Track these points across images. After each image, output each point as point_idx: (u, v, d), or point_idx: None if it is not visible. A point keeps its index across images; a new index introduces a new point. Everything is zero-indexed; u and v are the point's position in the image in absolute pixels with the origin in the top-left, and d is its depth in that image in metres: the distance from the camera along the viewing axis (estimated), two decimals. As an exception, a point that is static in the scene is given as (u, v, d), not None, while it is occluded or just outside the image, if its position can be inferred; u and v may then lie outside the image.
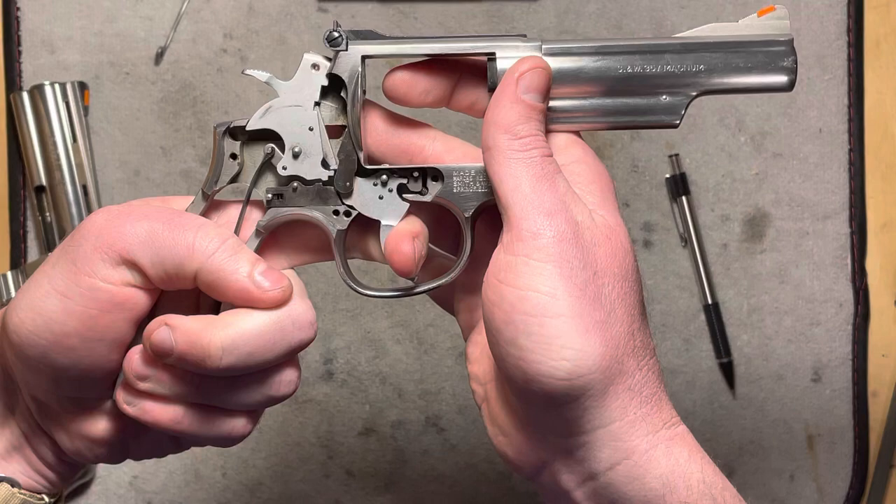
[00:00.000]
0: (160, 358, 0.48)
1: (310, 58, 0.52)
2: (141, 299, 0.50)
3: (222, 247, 0.49)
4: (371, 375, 0.86)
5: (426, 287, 0.53)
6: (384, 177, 0.52)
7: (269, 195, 0.52)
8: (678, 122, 0.52)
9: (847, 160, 0.86)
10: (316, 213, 0.52)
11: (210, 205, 0.53)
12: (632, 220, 0.86)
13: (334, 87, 0.52)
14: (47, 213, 0.84)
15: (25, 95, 0.83)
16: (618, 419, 0.49)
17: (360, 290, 0.53)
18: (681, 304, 0.87)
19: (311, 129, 0.52)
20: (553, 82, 0.51)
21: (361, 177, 0.52)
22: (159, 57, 0.85)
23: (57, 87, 0.83)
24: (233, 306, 0.50)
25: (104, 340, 0.49)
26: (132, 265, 0.49)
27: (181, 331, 0.48)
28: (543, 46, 0.51)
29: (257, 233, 0.52)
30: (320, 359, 0.86)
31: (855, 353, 0.87)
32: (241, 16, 0.85)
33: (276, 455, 0.86)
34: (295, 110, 0.52)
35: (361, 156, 0.52)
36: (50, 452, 0.54)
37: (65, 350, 0.49)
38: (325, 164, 0.52)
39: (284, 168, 0.52)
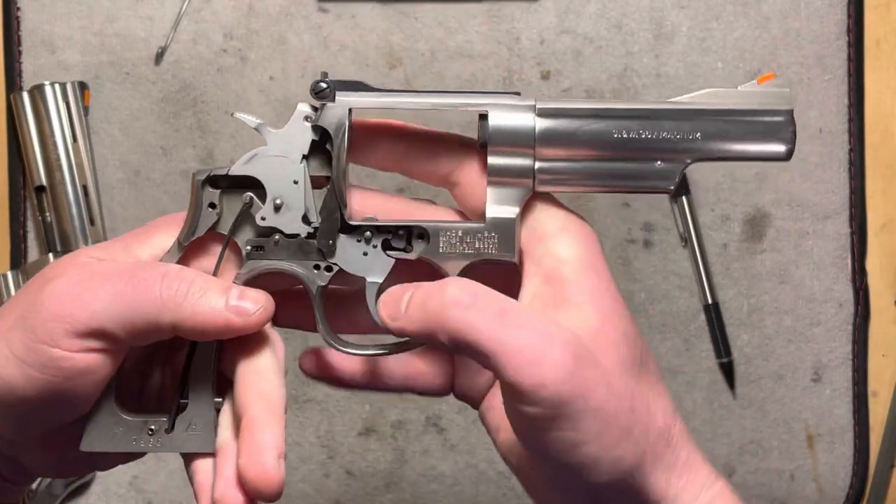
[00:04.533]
0: None
1: (303, 109, 0.51)
2: (107, 362, 0.48)
3: (190, 290, 0.48)
4: (371, 375, 0.86)
5: (410, 346, 0.52)
6: (368, 233, 0.51)
7: (249, 247, 0.51)
8: (672, 187, 0.50)
9: (847, 160, 0.86)
10: (296, 268, 0.51)
11: (185, 254, 0.51)
12: (632, 220, 0.86)
13: (321, 139, 0.51)
14: (47, 213, 0.84)
15: (25, 95, 0.83)
16: (662, 499, 0.50)
17: (341, 348, 0.52)
18: (681, 304, 0.87)
19: (295, 182, 0.51)
20: (545, 142, 0.49)
21: (344, 233, 0.51)
22: (159, 57, 0.85)
23: (57, 87, 0.83)
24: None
25: (71, 402, 0.48)
26: (100, 333, 0.47)
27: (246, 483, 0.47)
28: (537, 106, 0.50)
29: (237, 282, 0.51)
30: (320, 359, 0.86)
31: (855, 353, 0.87)
32: (241, 16, 0.85)
33: (277, 455, 0.86)
34: (281, 161, 0.51)
35: (345, 213, 0.51)
36: (11, 471, 0.53)
37: (30, 410, 0.48)
38: (306, 220, 0.51)
39: (263, 219, 0.51)
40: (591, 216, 0.86)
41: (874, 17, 0.86)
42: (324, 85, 0.50)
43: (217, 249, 0.51)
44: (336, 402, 0.86)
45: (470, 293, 0.46)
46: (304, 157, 0.51)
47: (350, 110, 0.50)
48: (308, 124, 0.51)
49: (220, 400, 0.51)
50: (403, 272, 0.51)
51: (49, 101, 0.83)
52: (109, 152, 0.85)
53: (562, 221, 0.50)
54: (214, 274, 0.51)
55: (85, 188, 0.84)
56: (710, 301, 0.86)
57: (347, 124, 0.50)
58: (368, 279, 0.51)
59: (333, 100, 0.50)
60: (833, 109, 0.86)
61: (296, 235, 0.51)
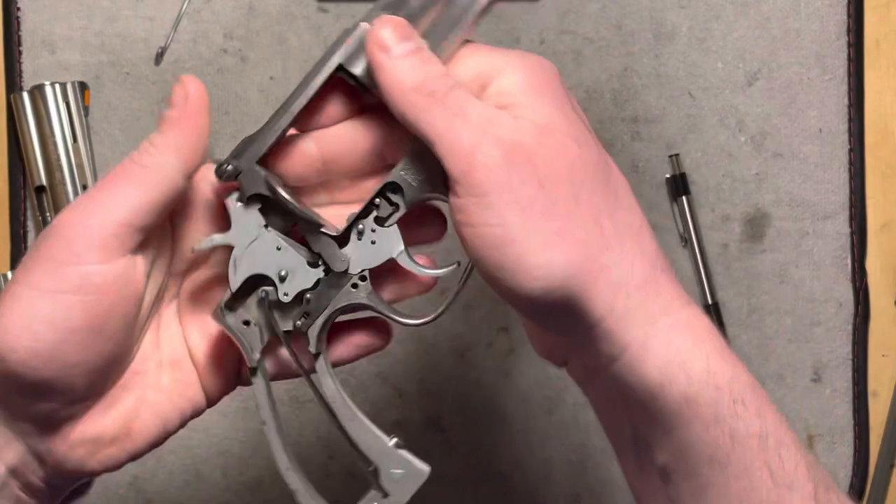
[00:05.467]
0: None
1: (230, 201, 0.52)
2: (136, 265, 0.50)
3: (153, 145, 0.50)
4: (371, 375, 0.86)
5: (463, 283, 0.54)
6: (360, 226, 0.53)
7: (299, 322, 0.53)
8: None
9: (847, 160, 0.86)
10: (341, 303, 0.53)
11: (263, 373, 0.54)
12: (632, 220, 0.86)
13: (263, 202, 0.53)
14: (47, 213, 0.84)
15: (26, 95, 0.83)
16: (606, 316, 0.48)
17: (418, 322, 0.54)
18: (681, 304, 0.86)
19: (278, 248, 0.52)
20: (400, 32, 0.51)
21: (343, 244, 0.53)
22: (160, 57, 0.85)
23: (57, 87, 0.83)
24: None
25: (113, 326, 0.49)
26: (118, 230, 0.48)
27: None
28: (364, 25, 0.51)
29: (316, 356, 0.54)
30: (320, 359, 0.86)
31: (855, 353, 0.87)
32: (242, 16, 0.85)
33: (277, 455, 0.86)
34: (254, 246, 0.52)
35: (328, 230, 0.53)
36: (40, 480, 0.52)
37: (73, 346, 0.48)
38: (312, 265, 0.53)
39: (286, 295, 0.53)
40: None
41: (874, 17, 0.86)
42: (224, 167, 0.52)
43: (281, 348, 0.54)
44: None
45: (425, 86, 0.49)
46: (265, 225, 0.52)
47: (259, 162, 0.52)
48: (242, 204, 0.52)
49: (394, 437, 0.55)
50: (411, 220, 0.53)
51: (49, 101, 0.83)
52: (109, 152, 0.85)
53: (503, 60, 0.51)
54: (302, 367, 0.54)
55: (85, 188, 0.84)
56: (710, 301, 0.86)
57: (264, 174, 0.52)
58: (394, 256, 0.53)
59: (241, 167, 0.52)
60: (833, 109, 0.86)
61: (318, 282, 0.53)
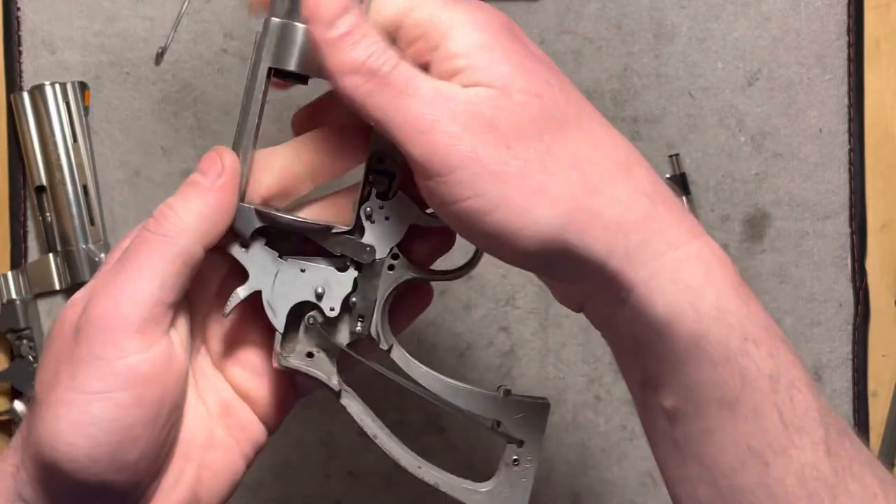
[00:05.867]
0: None
1: (235, 250, 0.51)
2: (176, 342, 0.48)
3: (173, 212, 0.49)
4: (371, 374, 0.86)
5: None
6: (367, 209, 0.51)
7: (359, 327, 0.52)
8: None
9: (847, 160, 0.86)
10: (389, 287, 0.52)
11: (347, 392, 0.54)
12: (632, 220, 0.85)
13: (267, 236, 0.51)
14: (47, 213, 0.84)
15: (26, 95, 0.83)
16: (608, 259, 0.47)
17: (460, 270, 0.54)
18: (681, 304, 0.86)
19: (302, 270, 0.51)
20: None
21: (361, 234, 0.51)
22: (160, 57, 0.85)
23: (57, 87, 0.83)
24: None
25: (165, 409, 0.47)
26: (154, 311, 0.47)
27: None
28: (275, 20, 0.51)
29: (389, 350, 0.53)
30: (320, 359, 0.86)
31: (855, 353, 0.87)
32: (242, 16, 0.85)
33: (277, 455, 0.86)
34: (279, 279, 0.51)
35: (338, 227, 0.51)
36: None
37: (132, 443, 0.46)
38: (341, 269, 0.51)
39: (332, 309, 0.51)
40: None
41: (874, 17, 0.86)
42: None
43: (354, 360, 0.54)
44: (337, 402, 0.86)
45: (366, 66, 0.47)
46: (279, 256, 0.51)
47: (240, 204, 0.50)
48: (248, 248, 0.51)
49: (500, 387, 0.54)
50: (413, 185, 0.51)
51: (49, 101, 0.83)
52: (109, 152, 0.85)
53: (449, 18, 0.49)
54: (383, 368, 0.54)
55: (85, 188, 0.84)
56: (710, 301, 0.86)
57: (253, 208, 0.50)
58: (413, 221, 0.52)
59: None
60: (833, 109, 0.86)
61: (356, 283, 0.51)
